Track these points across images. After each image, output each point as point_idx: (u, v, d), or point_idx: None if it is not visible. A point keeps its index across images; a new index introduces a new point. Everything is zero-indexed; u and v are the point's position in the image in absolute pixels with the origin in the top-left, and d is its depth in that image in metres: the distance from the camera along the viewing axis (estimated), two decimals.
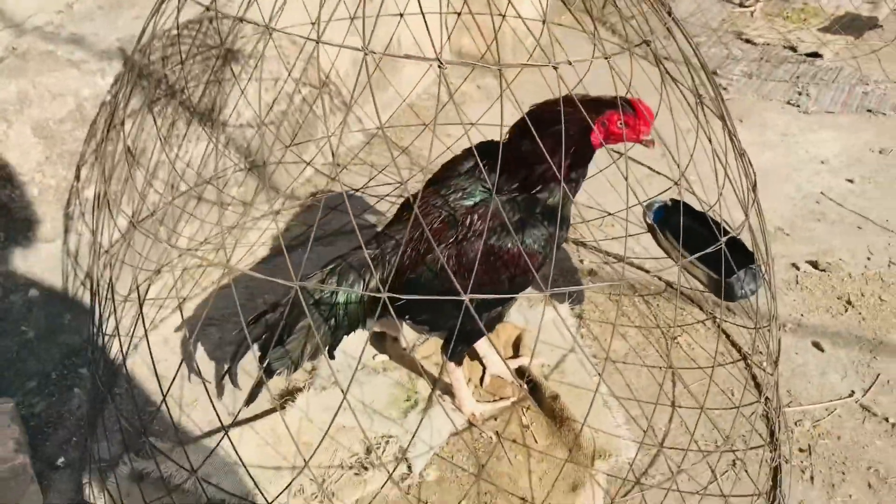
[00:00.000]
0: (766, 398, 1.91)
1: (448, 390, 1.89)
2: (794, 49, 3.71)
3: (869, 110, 3.19)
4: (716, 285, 1.82)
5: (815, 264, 2.36)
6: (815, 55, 3.63)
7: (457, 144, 1.92)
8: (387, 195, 2.45)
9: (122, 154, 1.94)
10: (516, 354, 2.03)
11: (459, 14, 1.58)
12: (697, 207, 1.92)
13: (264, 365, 1.60)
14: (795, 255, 2.41)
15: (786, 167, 2.86)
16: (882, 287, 2.27)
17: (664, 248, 1.99)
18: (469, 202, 1.62)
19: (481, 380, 1.96)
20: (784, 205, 2.64)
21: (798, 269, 2.35)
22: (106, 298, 1.65)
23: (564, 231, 1.67)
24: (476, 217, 1.60)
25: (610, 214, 2.37)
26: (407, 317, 1.72)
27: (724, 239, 1.52)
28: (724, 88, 3.39)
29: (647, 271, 2.32)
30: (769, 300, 1.71)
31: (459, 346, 1.76)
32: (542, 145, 1.40)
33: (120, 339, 1.73)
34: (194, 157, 2.21)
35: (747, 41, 3.84)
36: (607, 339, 2.09)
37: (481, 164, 1.60)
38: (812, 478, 1.73)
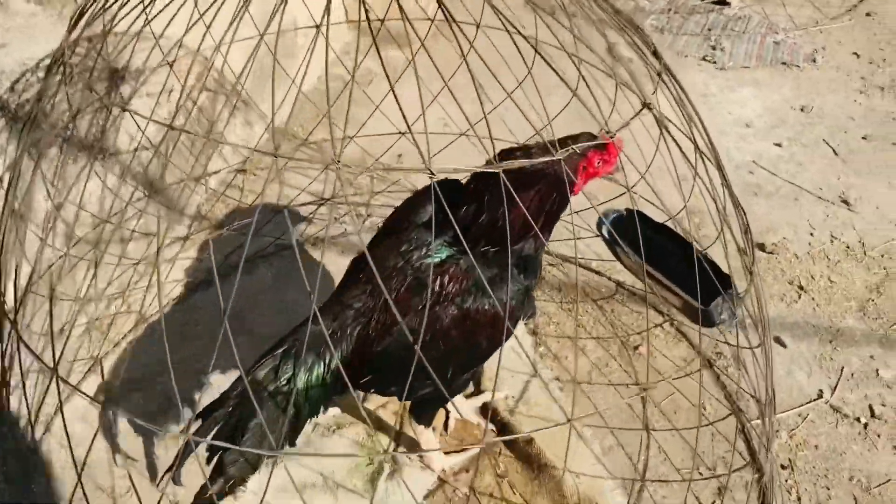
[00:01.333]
0: (739, 409, 1.85)
1: (412, 445, 1.74)
2: None
3: (783, 63, 3.14)
4: (691, 311, 1.72)
5: (761, 247, 2.30)
6: (723, 2, 3.54)
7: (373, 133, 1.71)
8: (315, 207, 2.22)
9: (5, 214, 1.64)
10: (477, 389, 1.89)
11: None
12: (657, 217, 1.80)
13: (222, 467, 1.39)
14: (740, 237, 2.34)
15: (713, 132, 2.77)
16: (829, 267, 2.24)
17: (626, 266, 1.86)
18: (435, 260, 1.43)
19: (445, 425, 1.81)
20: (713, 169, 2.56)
21: (745, 254, 2.29)
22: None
23: (537, 279, 1.53)
24: (447, 279, 1.41)
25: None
26: (373, 390, 1.54)
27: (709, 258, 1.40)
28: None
29: (598, 273, 2.20)
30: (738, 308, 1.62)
31: (431, 410, 1.61)
32: (522, 205, 1.23)
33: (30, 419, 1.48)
34: (92, 196, 1.91)
35: None
36: (567, 357, 1.97)
37: (449, 214, 1.41)
38: (799, 498, 1.68)
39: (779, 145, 2.70)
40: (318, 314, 1.19)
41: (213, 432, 1.40)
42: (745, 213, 1.52)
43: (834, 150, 2.67)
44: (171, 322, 1.99)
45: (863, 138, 2.73)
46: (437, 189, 1.24)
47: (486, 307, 1.41)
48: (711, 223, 1.62)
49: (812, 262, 2.25)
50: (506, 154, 1.39)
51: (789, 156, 2.66)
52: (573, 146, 1.33)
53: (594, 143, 1.34)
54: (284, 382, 1.43)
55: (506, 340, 1.40)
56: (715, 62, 3.15)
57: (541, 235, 1.36)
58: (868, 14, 3.49)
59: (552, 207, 1.40)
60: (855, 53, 3.19)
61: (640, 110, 1.20)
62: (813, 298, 2.14)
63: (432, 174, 0.90)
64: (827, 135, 2.75)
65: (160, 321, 1.99)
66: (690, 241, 1.73)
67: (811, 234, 2.35)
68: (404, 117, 1.11)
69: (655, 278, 1.73)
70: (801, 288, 2.17)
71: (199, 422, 1.41)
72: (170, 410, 1.80)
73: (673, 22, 3.41)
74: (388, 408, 1.83)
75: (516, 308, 1.45)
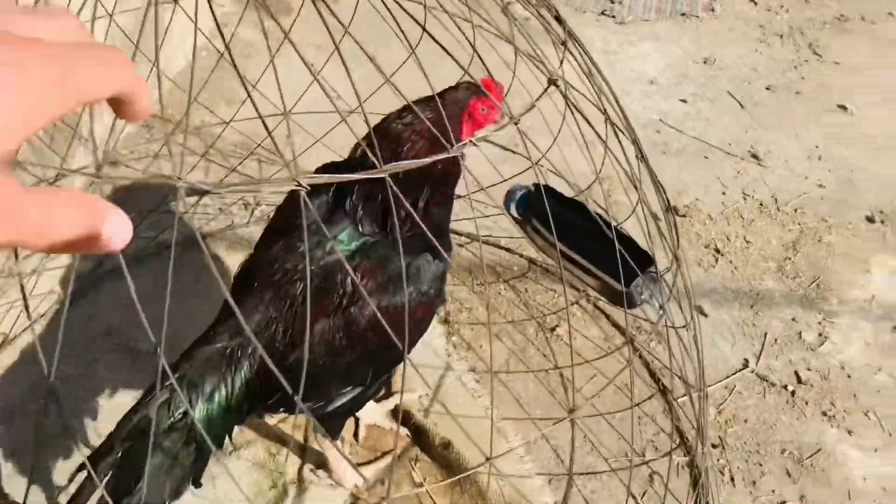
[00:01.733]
0: (664, 387, 1.75)
1: (320, 461, 1.58)
2: None
3: (682, 14, 3.05)
4: (611, 292, 1.60)
5: (675, 210, 2.20)
6: None
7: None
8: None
9: None
10: (388, 391, 1.73)
11: None
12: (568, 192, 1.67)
13: None
14: (651, 200, 2.24)
15: (617, 92, 2.66)
16: (744, 226, 2.16)
17: (539, 247, 1.73)
18: (341, 255, 1.23)
19: (355, 434, 1.66)
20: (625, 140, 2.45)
21: (658, 218, 2.19)
22: None
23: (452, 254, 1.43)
24: (360, 275, 1.25)
25: (460, 197, 2.08)
26: (284, 409, 1.37)
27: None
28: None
29: (508, 250, 2.07)
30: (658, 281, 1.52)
31: (341, 419, 1.44)
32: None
33: None
34: None
35: None
36: (482, 346, 1.83)
37: (351, 201, 1.27)
38: (732, 478, 1.60)
39: (684, 101, 2.61)
40: (213, 332, 1.01)
41: (101, 485, 1.16)
42: (664, 191, 1.40)
43: (739, 104, 2.60)
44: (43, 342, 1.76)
45: (766, 89, 2.67)
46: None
47: (403, 300, 1.24)
48: (623, 191, 1.51)
49: (727, 223, 2.17)
50: (383, 124, 1.26)
51: (695, 112, 2.57)
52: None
53: (462, 84, 1.30)
54: (180, 417, 1.22)
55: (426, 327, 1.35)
56: (614, 16, 3.03)
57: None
58: None
59: (444, 170, 1.29)
60: (752, 0, 3.13)
61: (547, 89, 1.05)
62: (730, 261, 2.06)
63: (300, 185, 0.73)
64: (731, 87, 2.67)
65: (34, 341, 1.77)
66: (607, 218, 1.61)
67: (723, 193, 2.27)
68: (282, 97, 0.93)
69: (570, 258, 1.61)
70: (717, 251, 2.09)
71: (83, 474, 1.19)
72: (49, 443, 1.59)
73: None
74: (289, 421, 1.66)
75: (435, 295, 1.32)
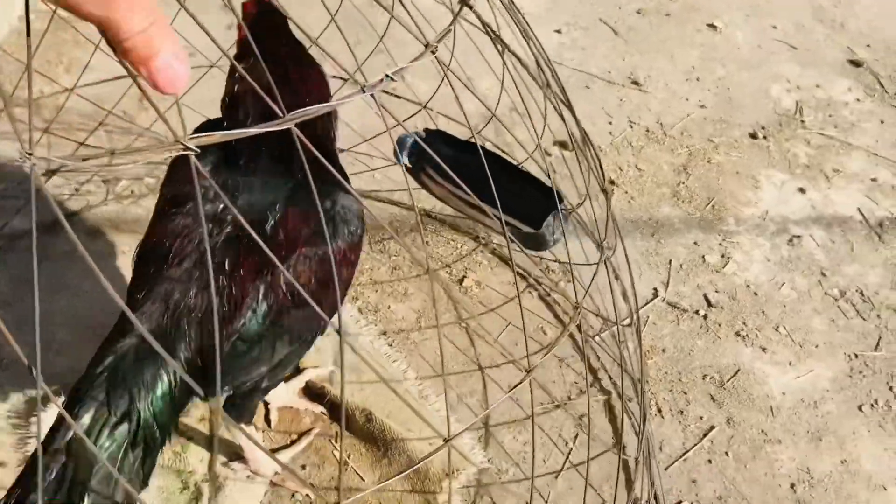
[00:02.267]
0: (576, 320, 1.71)
1: (233, 453, 1.44)
2: None
3: None
4: (522, 236, 1.52)
5: (564, 145, 2.15)
6: None
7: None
8: None
9: None
10: (296, 368, 1.61)
11: None
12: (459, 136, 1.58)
13: None
14: (557, 132, 2.19)
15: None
16: (634, 153, 2.14)
17: (438, 196, 1.63)
18: (258, 205, 1.14)
19: (266, 418, 1.53)
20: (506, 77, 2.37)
21: (549, 154, 2.14)
22: None
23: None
24: (290, 225, 1.14)
25: (344, 151, 1.94)
26: (228, 388, 1.20)
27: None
28: None
29: (400, 204, 1.96)
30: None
31: (253, 401, 1.30)
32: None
33: None
34: None
35: None
36: (389, 306, 1.73)
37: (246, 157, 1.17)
38: (660, 409, 1.59)
39: (559, 32, 2.55)
40: (133, 317, 0.83)
41: None
42: (578, 121, 1.32)
43: (613, 30, 2.56)
44: None
45: (637, 13, 2.64)
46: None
47: (341, 244, 1.18)
48: (525, 128, 1.43)
49: (617, 153, 2.14)
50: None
51: (571, 42, 2.52)
52: None
53: None
54: (120, 417, 1.05)
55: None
56: None
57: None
58: None
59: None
60: None
61: (460, 10, 0.94)
62: (626, 192, 2.04)
63: (189, 149, 0.59)
64: (603, 14, 2.63)
65: None
66: (508, 159, 1.53)
67: (610, 123, 2.23)
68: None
69: (472, 205, 1.52)
70: (612, 182, 2.05)
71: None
72: None
73: None
74: (191, 414, 1.51)
75: (360, 234, 1.24)
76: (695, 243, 1.91)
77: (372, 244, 1.86)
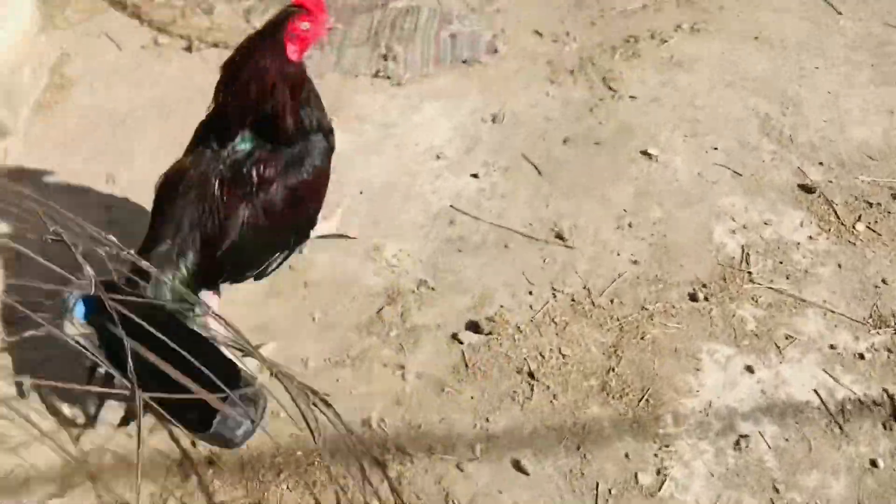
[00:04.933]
0: None
1: None
2: None
3: (464, 61, 2.73)
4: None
5: (476, 327, 1.89)
6: None
7: None
8: None
9: None
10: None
11: None
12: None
13: None
14: (450, 320, 1.92)
15: (403, 176, 2.33)
16: (558, 334, 1.88)
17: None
18: (240, 155, 1.67)
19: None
20: (417, 239, 2.12)
21: (460, 342, 1.88)
22: None
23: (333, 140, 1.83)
24: (262, 166, 1.66)
25: None
26: (230, 282, 1.76)
27: None
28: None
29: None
30: None
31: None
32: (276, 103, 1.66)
33: None
34: None
35: None
36: None
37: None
38: None
39: (475, 176, 2.30)
40: (156, 236, 1.60)
41: None
42: None
43: (537, 168, 2.31)
44: None
45: (564, 143, 2.39)
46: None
47: (305, 177, 1.72)
48: None
49: (538, 334, 1.88)
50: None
51: (490, 187, 2.27)
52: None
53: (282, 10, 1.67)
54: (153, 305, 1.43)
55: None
56: (389, 77, 2.68)
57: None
58: None
59: (290, 88, 1.67)
60: (537, 32, 2.84)
61: None
62: (548, 387, 1.77)
63: None
64: (526, 148, 2.38)
65: None
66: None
67: (530, 293, 1.98)
68: None
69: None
70: (531, 376, 1.79)
71: None
72: None
73: (335, 33, 2.89)
74: None
75: (326, 166, 1.80)
76: (626, 456, 1.64)
77: None
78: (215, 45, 2.75)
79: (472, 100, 2.58)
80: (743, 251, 2.04)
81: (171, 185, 1.67)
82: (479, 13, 2.96)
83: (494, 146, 2.40)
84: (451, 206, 2.21)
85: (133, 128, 2.45)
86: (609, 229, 2.12)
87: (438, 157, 2.37)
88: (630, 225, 2.13)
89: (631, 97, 2.52)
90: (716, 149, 2.33)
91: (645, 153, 2.33)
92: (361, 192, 2.24)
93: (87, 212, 1.97)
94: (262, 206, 1.65)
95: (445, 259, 2.07)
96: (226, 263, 1.65)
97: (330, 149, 1.78)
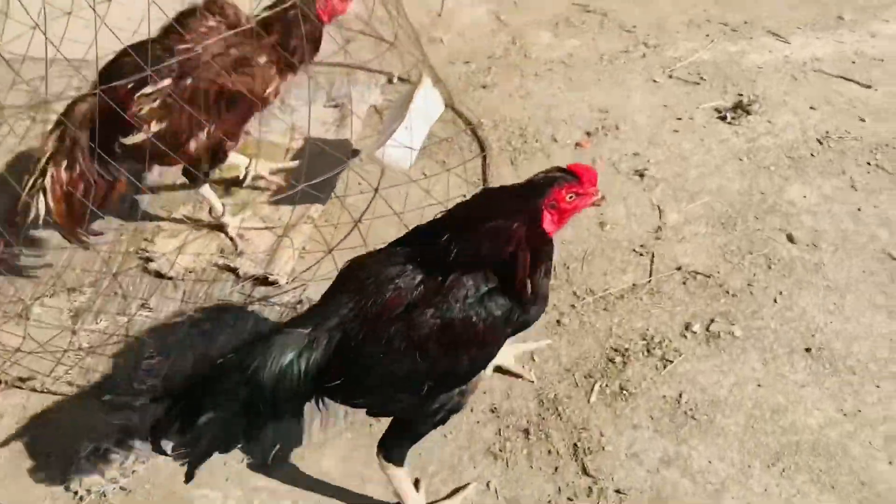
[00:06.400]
0: None
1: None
2: None
3: None
4: None
5: None
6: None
7: None
8: None
9: None
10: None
11: None
12: None
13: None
14: None
15: None
16: None
17: None
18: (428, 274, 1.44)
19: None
20: None
21: None
22: None
23: (544, 306, 1.52)
24: (433, 291, 1.41)
25: None
26: (342, 399, 1.50)
27: None
28: None
29: None
30: None
31: (405, 442, 1.54)
32: (514, 265, 1.38)
33: None
34: None
35: None
36: None
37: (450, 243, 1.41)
38: None
39: None
40: (305, 316, 1.46)
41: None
42: None
43: None
44: None
45: None
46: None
47: (470, 318, 1.40)
48: None
49: None
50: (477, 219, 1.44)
51: None
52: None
53: (547, 173, 1.43)
54: (248, 373, 1.39)
55: (490, 359, 1.52)
56: None
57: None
58: None
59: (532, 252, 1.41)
60: None
61: None
62: None
63: None
64: None
65: None
66: None
67: None
68: None
69: None
70: None
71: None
72: None
73: None
74: None
75: (500, 323, 1.43)
76: None
77: None
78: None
79: None
80: None
81: (352, 275, 1.51)
82: None
83: None
84: None
85: None
86: None
87: None
88: None
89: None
90: None
91: None
92: None
93: None
94: (406, 328, 1.40)
95: None
96: (347, 375, 1.43)
97: (518, 319, 1.47)
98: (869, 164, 2.37)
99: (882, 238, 2.13)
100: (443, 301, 1.39)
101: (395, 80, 2.80)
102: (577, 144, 2.49)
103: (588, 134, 2.53)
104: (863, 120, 2.53)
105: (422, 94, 2.14)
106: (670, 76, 2.79)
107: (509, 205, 1.40)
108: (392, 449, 1.54)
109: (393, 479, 1.58)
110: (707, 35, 3.00)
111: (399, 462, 1.56)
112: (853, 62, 2.81)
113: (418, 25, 2.79)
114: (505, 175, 2.35)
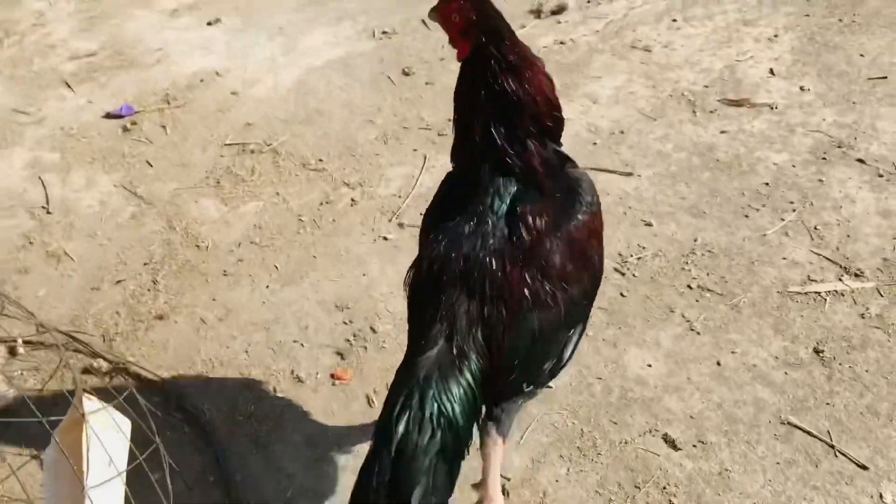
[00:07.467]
0: None
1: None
2: None
3: None
4: None
5: None
6: None
7: None
8: None
9: None
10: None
11: None
12: None
13: None
14: None
15: None
16: None
17: None
18: (504, 209, 1.38)
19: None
20: None
21: None
22: None
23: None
24: (531, 218, 1.36)
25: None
26: (526, 385, 1.43)
27: None
28: None
29: None
30: None
31: (515, 410, 1.49)
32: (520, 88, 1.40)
33: None
34: None
35: None
36: None
37: (486, 169, 1.40)
38: None
39: None
40: (424, 341, 1.22)
41: None
42: None
43: None
44: None
45: None
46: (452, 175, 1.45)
47: (581, 217, 1.39)
48: None
49: None
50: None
51: None
52: None
53: None
54: (435, 425, 1.22)
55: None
56: None
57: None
58: None
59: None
60: None
61: None
62: None
63: None
64: None
65: None
66: None
67: None
68: None
69: None
70: None
71: None
72: None
73: None
74: None
75: (597, 203, 1.44)
76: None
77: None
78: None
79: None
80: None
81: (427, 281, 1.37)
82: None
83: None
84: None
85: None
86: None
87: None
88: None
89: None
90: None
91: None
92: None
93: None
94: (541, 269, 1.33)
95: None
96: (519, 357, 1.34)
97: (591, 181, 1.47)
98: None
99: None
100: (549, 222, 1.34)
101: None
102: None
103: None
104: None
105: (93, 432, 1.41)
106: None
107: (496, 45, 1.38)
108: (504, 421, 1.44)
109: (496, 458, 1.46)
110: None
111: (507, 435, 1.47)
112: None
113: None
114: None
